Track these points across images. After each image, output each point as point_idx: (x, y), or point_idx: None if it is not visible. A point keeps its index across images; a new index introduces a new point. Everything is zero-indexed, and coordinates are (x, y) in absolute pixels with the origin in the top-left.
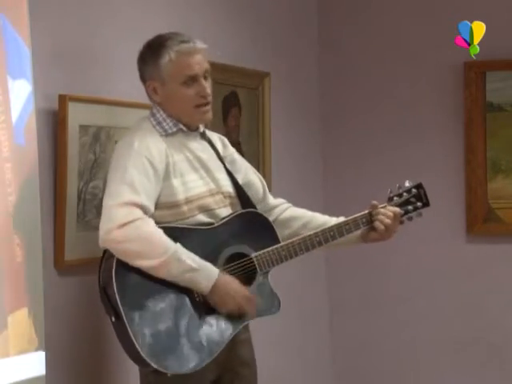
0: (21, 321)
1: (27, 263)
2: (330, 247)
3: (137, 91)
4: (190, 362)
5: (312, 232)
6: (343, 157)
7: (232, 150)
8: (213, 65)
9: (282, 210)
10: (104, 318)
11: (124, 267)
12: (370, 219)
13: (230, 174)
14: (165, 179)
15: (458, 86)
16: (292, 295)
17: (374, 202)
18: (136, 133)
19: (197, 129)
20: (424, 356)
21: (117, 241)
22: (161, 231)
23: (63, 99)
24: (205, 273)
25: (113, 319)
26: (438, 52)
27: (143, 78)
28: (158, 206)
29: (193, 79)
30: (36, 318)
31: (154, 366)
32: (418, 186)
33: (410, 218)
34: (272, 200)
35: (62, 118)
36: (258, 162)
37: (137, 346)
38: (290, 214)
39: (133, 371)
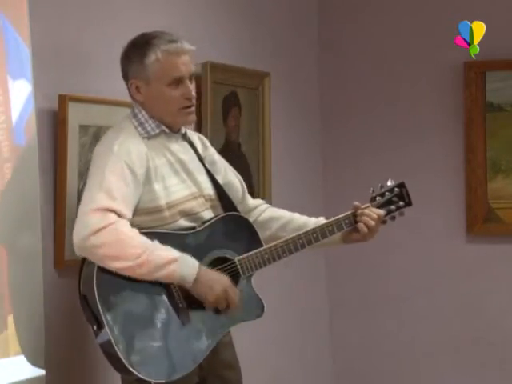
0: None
1: (12, 267)
2: (312, 248)
3: None
4: (174, 370)
5: (295, 234)
6: (343, 157)
7: (212, 151)
8: (213, 65)
9: (261, 210)
10: None
11: (105, 275)
12: (353, 220)
13: (210, 175)
14: (145, 184)
15: (458, 86)
16: (292, 295)
17: (356, 203)
18: (117, 135)
19: (179, 130)
20: (424, 356)
21: (94, 246)
22: (136, 231)
23: (63, 99)
24: (187, 262)
25: (94, 328)
26: (438, 52)
27: (126, 76)
28: (139, 211)
29: (178, 81)
30: (20, 323)
31: (138, 374)
32: (401, 185)
33: (393, 218)
34: (251, 201)
35: (62, 118)
36: (258, 161)
37: (120, 355)
38: (269, 214)
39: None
